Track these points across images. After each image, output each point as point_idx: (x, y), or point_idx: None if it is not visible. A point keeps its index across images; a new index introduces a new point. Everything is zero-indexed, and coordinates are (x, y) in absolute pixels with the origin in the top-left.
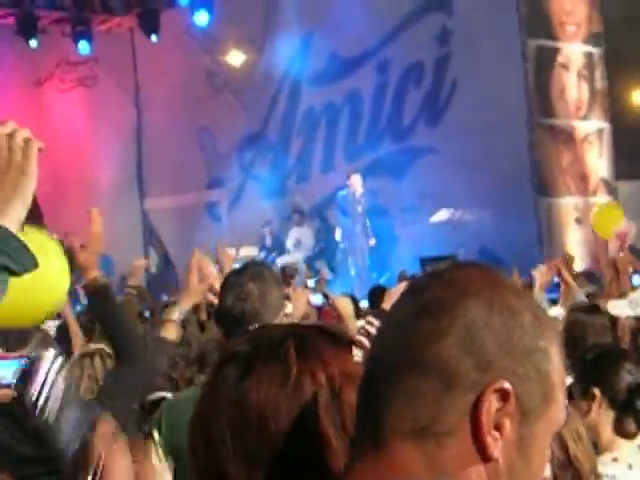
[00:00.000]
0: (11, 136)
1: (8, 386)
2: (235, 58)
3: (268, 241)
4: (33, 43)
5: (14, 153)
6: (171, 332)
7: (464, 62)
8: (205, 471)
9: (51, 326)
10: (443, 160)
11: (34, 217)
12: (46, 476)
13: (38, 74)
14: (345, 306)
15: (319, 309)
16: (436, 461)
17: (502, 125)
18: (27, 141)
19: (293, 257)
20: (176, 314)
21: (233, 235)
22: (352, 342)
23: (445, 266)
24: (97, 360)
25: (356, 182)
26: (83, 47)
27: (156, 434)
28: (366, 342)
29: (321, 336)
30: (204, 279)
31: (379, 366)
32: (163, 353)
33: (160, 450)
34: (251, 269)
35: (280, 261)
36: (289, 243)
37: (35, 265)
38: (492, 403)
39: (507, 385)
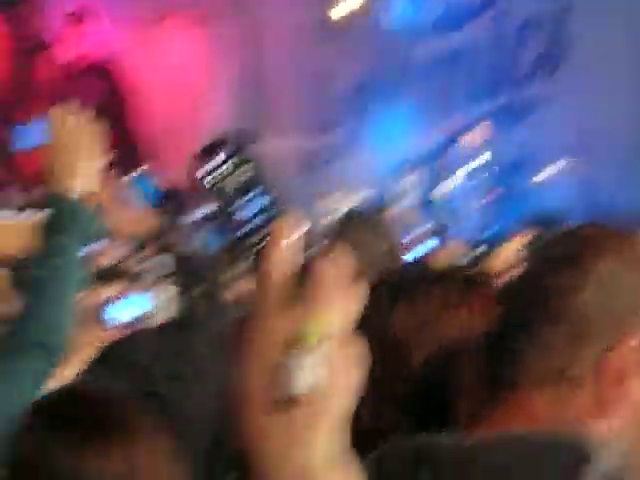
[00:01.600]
0: (75, 116)
1: (134, 323)
2: (354, 2)
3: (381, 188)
4: None
5: (78, 131)
6: None
7: (586, 13)
8: None
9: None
10: (561, 112)
11: (147, 156)
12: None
13: (159, 9)
14: (459, 250)
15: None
16: (566, 407)
17: (626, 79)
18: (90, 120)
19: (403, 204)
20: None
21: (344, 181)
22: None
23: (578, 225)
24: None
25: (477, 133)
26: None
27: None
28: None
29: (470, 282)
30: None
31: (513, 316)
32: None
33: None
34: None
35: (391, 208)
36: (400, 190)
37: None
38: (622, 356)
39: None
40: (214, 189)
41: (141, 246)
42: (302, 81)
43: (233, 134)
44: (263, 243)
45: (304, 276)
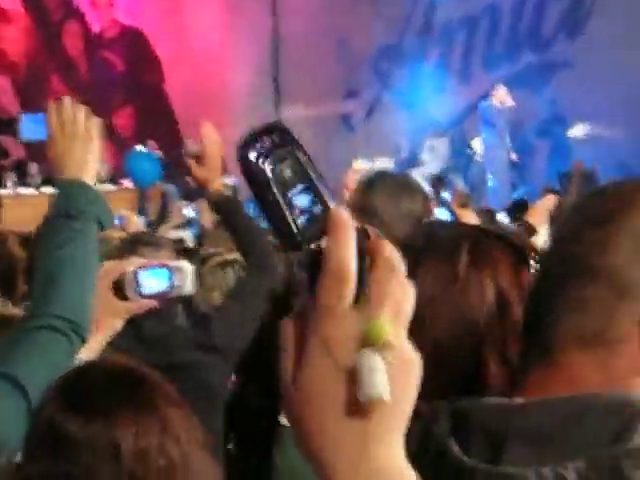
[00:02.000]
0: (72, 110)
1: (160, 295)
2: None
3: (404, 152)
4: None
5: (78, 124)
6: None
7: None
8: None
9: (187, 235)
10: (583, 73)
11: (170, 125)
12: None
13: None
14: (470, 221)
15: None
16: (608, 368)
17: None
18: (87, 113)
19: (429, 168)
20: None
21: (368, 146)
22: (533, 253)
23: (608, 183)
24: (229, 271)
25: (501, 93)
26: None
27: None
28: None
29: (500, 244)
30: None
31: (547, 279)
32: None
33: None
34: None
35: (415, 172)
36: (424, 154)
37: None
38: None
39: None
40: (265, 176)
41: (162, 218)
42: (323, 48)
43: (281, 125)
44: (319, 238)
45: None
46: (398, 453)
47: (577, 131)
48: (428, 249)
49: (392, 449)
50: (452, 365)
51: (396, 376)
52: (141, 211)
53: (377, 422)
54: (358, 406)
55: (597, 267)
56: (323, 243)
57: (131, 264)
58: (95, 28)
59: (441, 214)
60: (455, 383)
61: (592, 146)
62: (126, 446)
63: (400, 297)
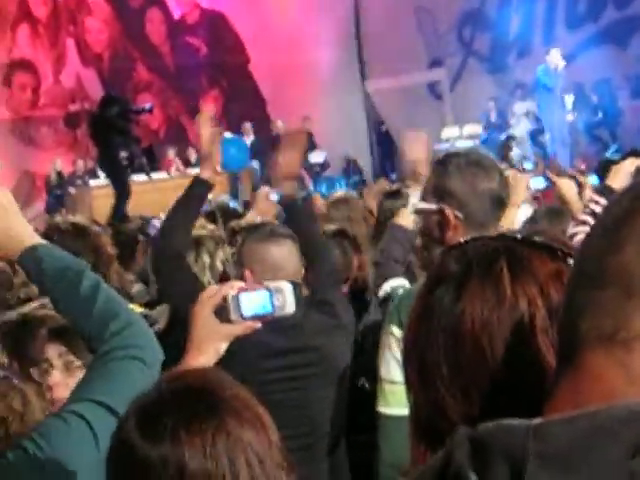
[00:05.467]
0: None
1: (262, 317)
2: None
3: (492, 117)
4: None
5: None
6: (406, 220)
7: None
8: (419, 399)
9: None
10: None
11: (258, 105)
12: None
13: None
14: (568, 188)
15: (542, 192)
16: (629, 369)
17: None
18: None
19: (517, 131)
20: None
21: (455, 113)
22: (568, 253)
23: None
24: None
25: (556, 57)
26: None
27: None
28: (591, 221)
29: (535, 250)
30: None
31: (571, 278)
32: (397, 240)
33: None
34: None
35: (504, 136)
36: (513, 118)
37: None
38: None
39: None
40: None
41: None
42: (404, 18)
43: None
44: None
45: None
46: None
47: None
48: (466, 275)
49: None
50: (516, 381)
51: None
52: (234, 194)
53: None
54: None
55: (609, 268)
56: None
57: (232, 288)
58: (176, 14)
59: (537, 183)
60: (520, 400)
61: None
62: (193, 467)
63: None
